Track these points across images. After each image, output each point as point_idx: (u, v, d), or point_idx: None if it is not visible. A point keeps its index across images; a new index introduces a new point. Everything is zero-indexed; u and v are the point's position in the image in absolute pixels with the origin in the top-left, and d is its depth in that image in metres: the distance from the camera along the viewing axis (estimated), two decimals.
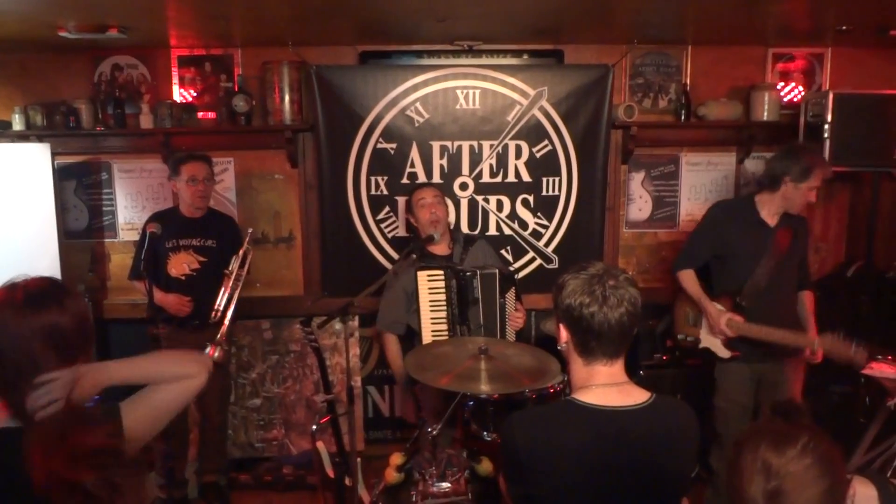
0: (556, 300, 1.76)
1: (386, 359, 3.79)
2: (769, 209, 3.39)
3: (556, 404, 1.84)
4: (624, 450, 1.68)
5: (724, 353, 3.44)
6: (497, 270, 3.54)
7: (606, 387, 1.73)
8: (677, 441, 1.74)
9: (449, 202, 3.98)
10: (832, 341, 3.21)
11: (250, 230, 3.84)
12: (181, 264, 3.73)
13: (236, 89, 4.23)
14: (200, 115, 4.35)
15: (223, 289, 3.63)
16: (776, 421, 1.46)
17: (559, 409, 1.78)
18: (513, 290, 3.57)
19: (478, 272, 3.52)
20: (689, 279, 3.54)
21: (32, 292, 1.60)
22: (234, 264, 3.69)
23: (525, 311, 3.60)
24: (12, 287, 1.61)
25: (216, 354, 3.44)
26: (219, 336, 3.49)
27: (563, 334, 1.77)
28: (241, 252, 3.73)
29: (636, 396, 1.74)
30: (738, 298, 3.38)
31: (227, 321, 3.58)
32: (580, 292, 1.68)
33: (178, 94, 4.32)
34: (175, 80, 4.32)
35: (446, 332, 3.54)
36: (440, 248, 3.68)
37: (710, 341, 3.49)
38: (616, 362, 1.75)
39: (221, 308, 3.62)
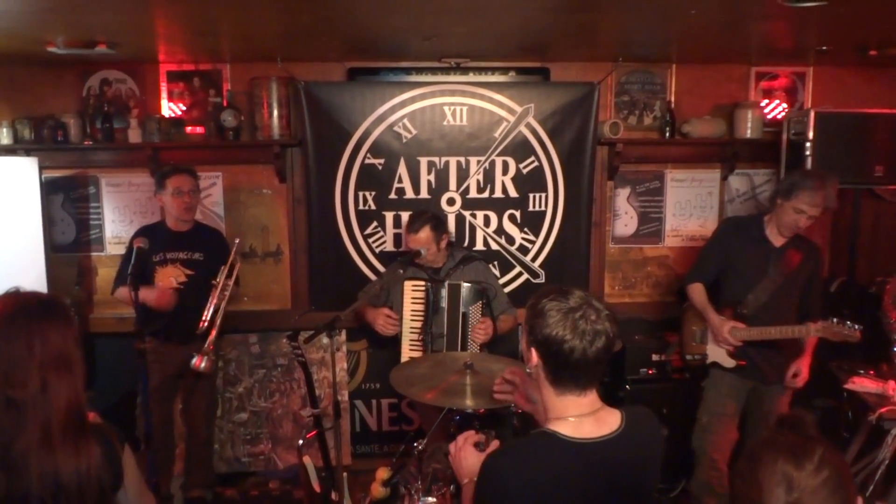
0: (532, 326, 1.71)
1: (356, 310, 3.71)
2: (773, 228, 3.41)
3: (534, 438, 1.75)
4: (606, 480, 1.68)
5: (729, 362, 3.45)
6: (464, 282, 3.62)
7: (582, 417, 1.70)
8: (650, 458, 1.77)
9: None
10: (826, 326, 3.24)
11: (237, 240, 3.83)
12: (168, 278, 3.73)
13: (225, 104, 4.26)
14: (189, 129, 4.36)
15: (210, 300, 3.63)
16: (787, 433, 1.47)
17: (540, 443, 1.71)
18: (480, 303, 3.64)
19: (446, 282, 3.58)
20: (697, 292, 3.54)
21: (46, 303, 1.71)
22: (222, 275, 3.68)
23: (493, 325, 3.62)
24: (21, 295, 1.68)
25: (203, 365, 3.44)
26: (206, 346, 3.49)
27: (534, 359, 1.72)
28: (229, 262, 3.73)
29: (610, 423, 1.72)
30: (738, 308, 3.40)
31: (214, 332, 3.58)
32: (562, 326, 1.64)
33: (167, 109, 4.34)
34: (164, 94, 4.33)
35: (420, 342, 3.60)
36: (436, 263, 3.74)
37: (716, 353, 3.50)
38: (589, 392, 1.72)
39: (209, 319, 3.61)
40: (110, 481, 1.69)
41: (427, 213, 3.75)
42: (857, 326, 3.21)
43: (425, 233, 3.65)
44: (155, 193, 3.84)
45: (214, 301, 3.63)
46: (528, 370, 1.79)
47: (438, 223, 3.72)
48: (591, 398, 1.72)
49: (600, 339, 1.64)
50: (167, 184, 3.72)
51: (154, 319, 3.67)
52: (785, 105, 4.57)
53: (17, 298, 1.68)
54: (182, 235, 3.80)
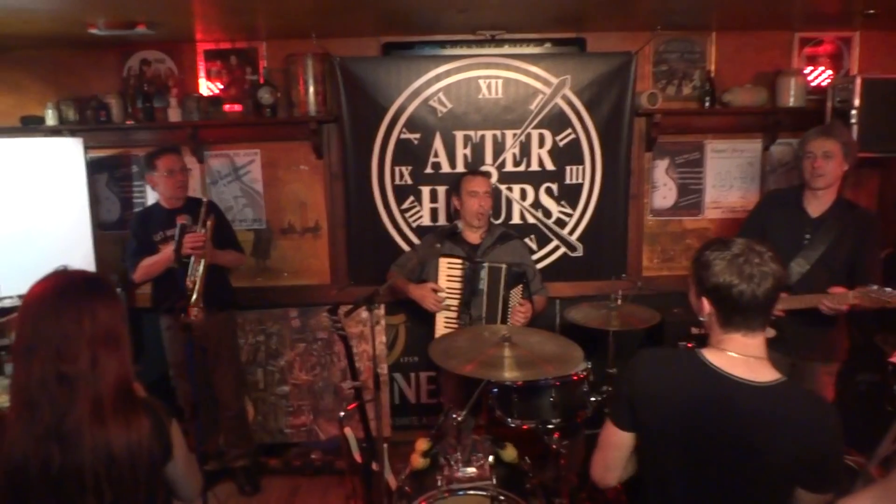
0: (700, 277, 1.80)
1: (394, 286, 3.76)
2: (809, 197, 3.31)
3: (682, 351, 1.89)
4: (722, 418, 1.73)
5: (768, 332, 3.36)
6: (504, 265, 3.60)
7: (737, 356, 1.77)
8: (785, 432, 1.70)
9: None
10: (864, 292, 3.01)
11: (206, 199, 3.76)
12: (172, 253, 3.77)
13: (261, 82, 4.30)
14: (227, 107, 4.41)
15: (194, 260, 3.61)
16: None
17: (683, 355, 1.85)
18: (520, 287, 3.64)
19: (486, 264, 3.58)
20: None
21: (93, 281, 1.75)
22: (201, 229, 3.66)
23: (531, 308, 3.62)
24: (70, 273, 1.73)
25: (194, 317, 3.47)
26: (194, 298, 3.51)
27: (706, 307, 1.82)
28: (200, 221, 3.68)
29: (761, 374, 1.76)
30: None
31: (198, 287, 3.56)
32: (728, 272, 1.73)
33: (205, 88, 4.39)
34: (201, 73, 4.39)
35: (457, 319, 3.62)
36: (473, 237, 3.77)
37: None
38: (756, 335, 1.79)
39: (193, 276, 3.60)
40: (160, 454, 1.74)
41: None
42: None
43: (489, 182, 3.82)
44: (144, 175, 3.90)
45: (197, 261, 3.62)
46: (701, 318, 1.86)
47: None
48: (756, 341, 1.79)
49: (767, 280, 1.72)
50: (158, 164, 3.79)
51: (169, 296, 3.75)
52: (830, 72, 4.43)
53: (66, 276, 1.73)
54: (178, 212, 3.77)
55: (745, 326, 1.77)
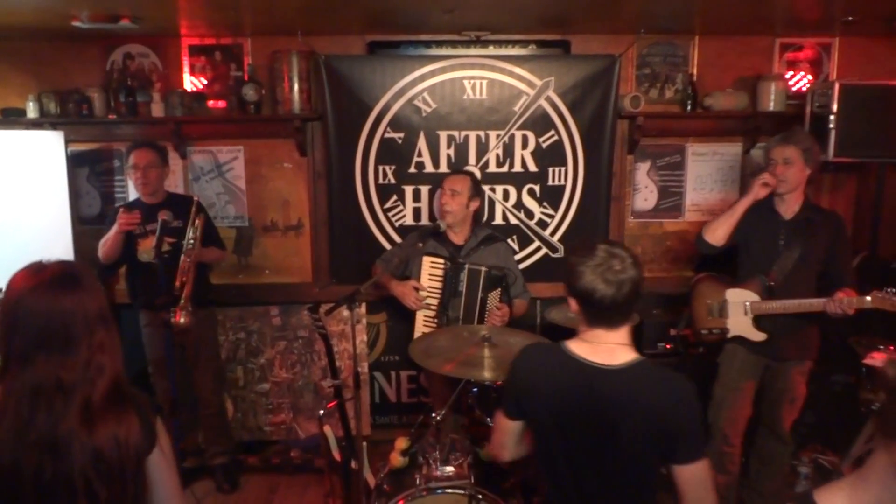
0: (568, 281, 1.98)
1: (378, 281, 3.71)
2: (781, 201, 3.39)
3: (552, 345, 2.09)
4: (585, 402, 1.92)
5: (758, 336, 3.39)
6: (484, 268, 3.61)
7: (597, 344, 1.96)
8: (637, 408, 1.88)
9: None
10: (884, 297, 3.12)
11: (196, 198, 3.81)
12: (151, 248, 3.75)
13: (246, 78, 4.28)
14: (211, 103, 4.39)
15: (183, 259, 3.62)
16: None
17: (552, 349, 2.06)
18: (498, 290, 3.64)
19: (466, 266, 3.60)
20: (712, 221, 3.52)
21: (59, 274, 1.70)
22: (190, 232, 3.69)
23: (509, 312, 3.62)
24: (40, 268, 1.69)
25: (182, 320, 3.49)
26: (182, 302, 3.52)
27: (574, 306, 1.99)
28: (191, 219, 3.71)
29: (617, 358, 1.94)
30: (766, 279, 3.35)
31: (188, 288, 3.58)
32: (592, 279, 1.89)
33: (189, 83, 4.37)
34: (186, 68, 4.36)
35: (435, 319, 3.66)
36: (457, 237, 3.79)
37: (741, 327, 3.42)
38: (618, 330, 1.96)
39: (184, 276, 3.61)
40: (146, 447, 1.73)
41: (472, 173, 4.01)
42: None
43: (464, 182, 3.74)
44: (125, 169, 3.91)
45: (187, 260, 3.64)
46: (570, 314, 2.06)
47: (479, 186, 3.85)
48: (618, 334, 1.97)
49: (626, 285, 1.89)
50: (128, 158, 3.81)
51: (144, 292, 3.74)
52: (809, 77, 4.49)
53: (35, 273, 1.70)
54: (158, 207, 3.78)
55: (607, 324, 1.96)
